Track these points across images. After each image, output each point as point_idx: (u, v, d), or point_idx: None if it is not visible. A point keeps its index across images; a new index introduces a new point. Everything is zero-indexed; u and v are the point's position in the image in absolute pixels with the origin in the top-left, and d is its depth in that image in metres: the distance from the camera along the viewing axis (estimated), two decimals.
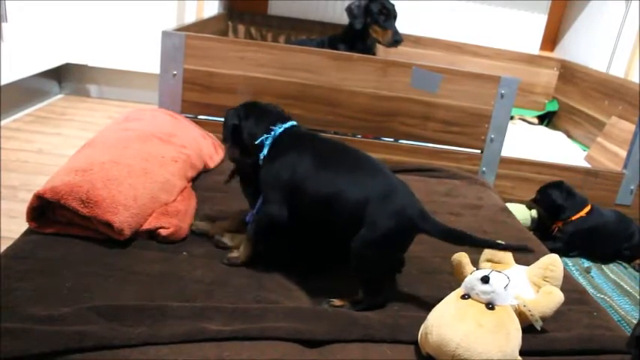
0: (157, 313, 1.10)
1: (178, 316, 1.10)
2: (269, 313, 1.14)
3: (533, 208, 2.21)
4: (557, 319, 1.30)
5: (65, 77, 3.39)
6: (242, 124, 1.38)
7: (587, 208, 2.12)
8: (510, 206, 2.06)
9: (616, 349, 1.20)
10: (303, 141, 1.32)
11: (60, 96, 3.37)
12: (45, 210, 1.31)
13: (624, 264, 2.16)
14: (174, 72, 2.08)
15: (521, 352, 1.16)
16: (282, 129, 1.34)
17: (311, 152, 1.28)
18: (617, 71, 3.47)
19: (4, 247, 1.30)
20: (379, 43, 2.64)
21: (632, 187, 2.39)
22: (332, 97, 2.14)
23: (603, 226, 2.11)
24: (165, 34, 2.06)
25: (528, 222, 2.20)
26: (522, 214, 2.19)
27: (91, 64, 3.28)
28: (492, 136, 2.20)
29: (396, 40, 2.54)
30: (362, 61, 2.12)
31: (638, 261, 2.14)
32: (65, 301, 1.10)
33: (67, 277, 1.18)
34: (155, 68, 2.13)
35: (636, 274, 2.09)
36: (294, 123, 1.38)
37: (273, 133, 1.33)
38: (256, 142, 1.33)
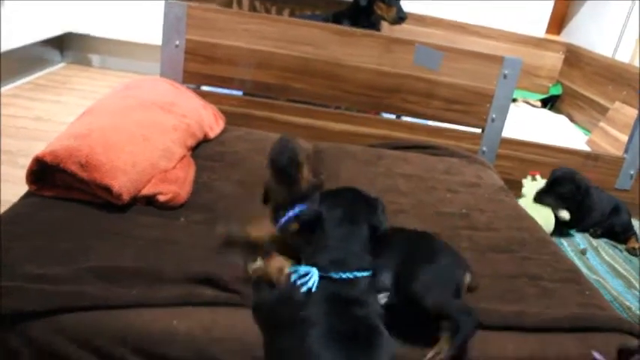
0: (152, 276, 1.11)
1: (174, 280, 1.11)
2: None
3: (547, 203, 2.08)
4: (550, 296, 1.31)
5: (67, 46, 3.38)
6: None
7: None
8: (532, 209, 1.96)
9: (607, 327, 1.21)
10: None
11: (62, 65, 3.37)
12: (44, 174, 1.32)
13: (620, 247, 2.17)
14: (177, 42, 2.07)
15: (513, 328, 1.18)
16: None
17: None
18: (623, 56, 3.45)
19: (3, 211, 1.30)
20: (384, 19, 2.62)
21: (631, 172, 2.39)
22: (335, 71, 2.13)
23: (593, 196, 2.13)
24: (168, 4, 2.05)
25: (552, 226, 2.06)
26: (545, 219, 2.04)
27: (93, 33, 3.27)
28: (494, 115, 2.20)
29: (401, 17, 2.53)
30: (365, 37, 2.11)
31: (633, 244, 2.15)
32: (62, 261, 1.11)
33: (65, 238, 1.19)
34: (157, 40, 2.12)
35: (632, 257, 2.10)
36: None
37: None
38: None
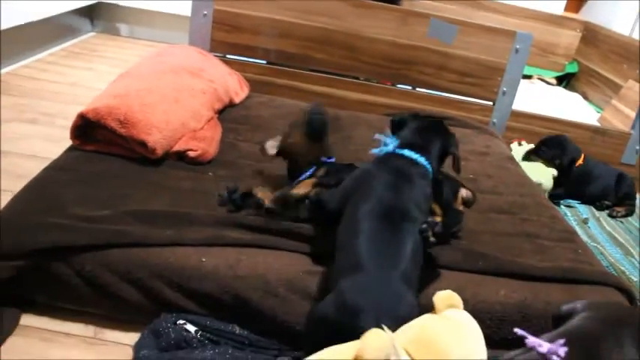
0: (184, 219, 1.25)
1: (203, 223, 1.25)
2: (286, 231, 1.28)
3: (534, 161, 2.24)
4: (544, 252, 1.43)
5: (97, 15, 3.51)
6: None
7: (583, 156, 2.23)
8: (527, 166, 2.10)
9: (593, 280, 1.33)
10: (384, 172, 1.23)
11: (92, 34, 3.50)
12: (86, 129, 1.46)
13: (621, 220, 2.26)
14: (205, 12, 2.19)
15: (506, 275, 1.29)
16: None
17: (375, 193, 1.16)
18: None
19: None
20: None
21: (637, 147, 2.47)
22: (353, 43, 2.23)
23: (594, 169, 2.26)
24: None
25: (551, 182, 2.17)
26: (544, 174, 2.17)
27: (122, 3, 3.39)
28: (505, 89, 2.29)
29: None
30: (382, 10, 2.21)
31: (618, 209, 2.25)
32: (105, 206, 1.25)
33: (105, 187, 1.33)
34: (184, 10, 2.23)
35: (632, 227, 2.20)
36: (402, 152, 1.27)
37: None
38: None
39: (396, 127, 1.36)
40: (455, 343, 0.92)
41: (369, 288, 0.99)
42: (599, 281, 1.33)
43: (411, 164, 1.23)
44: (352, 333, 0.88)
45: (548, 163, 2.20)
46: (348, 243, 1.08)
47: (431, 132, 1.32)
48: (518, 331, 0.86)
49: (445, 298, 0.98)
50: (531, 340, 0.83)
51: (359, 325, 0.91)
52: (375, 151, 1.30)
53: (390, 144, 1.28)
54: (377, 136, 1.33)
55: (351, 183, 1.22)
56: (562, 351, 0.81)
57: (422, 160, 1.24)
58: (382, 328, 0.86)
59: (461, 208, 1.39)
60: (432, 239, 1.12)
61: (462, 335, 0.94)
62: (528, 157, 2.24)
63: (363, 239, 1.05)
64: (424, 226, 1.11)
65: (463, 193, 1.41)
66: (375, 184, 1.16)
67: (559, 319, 0.96)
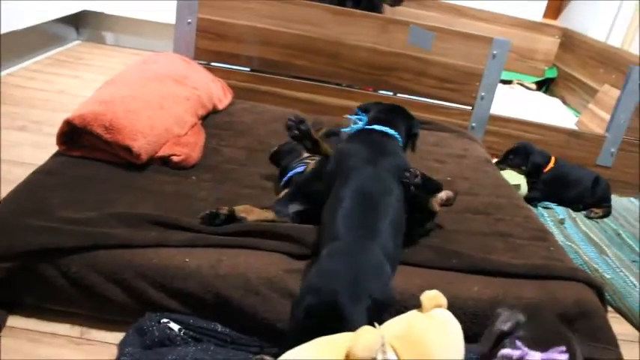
0: (168, 223, 1.29)
1: (186, 226, 1.29)
2: (265, 232, 1.32)
3: (504, 170, 2.30)
4: (517, 250, 1.49)
5: (83, 24, 3.54)
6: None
7: (553, 161, 2.30)
8: (507, 175, 2.19)
9: (563, 276, 1.38)
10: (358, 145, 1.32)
11: (77, 42, 3.53)
12: (72, 135, 1.50)
13: (597, 220, 2.33)
14: (189, 20, 2.23)
15: (479, 272, 1.35)
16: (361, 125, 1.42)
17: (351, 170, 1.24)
18: (616, 41, 3.58)
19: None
20: (383, 1, 2.76)
21: (612, 150, 2.54)
22: (335, 50, 2.29)
23: (571, 173, 2.32)
24: None
25: (526, 187, 2.26)
26: (519, 179, 2.26)
27: (107, 11, 3.42)
28: (483, 94, 2.36)
29: None
30: (362, 17, 2.27)
31: (596, 210, 2.32)
32: (90, 209, 1.29)
33: (92, 191, 1.38)
34: (169, 18, 2.27)
35: (607, 227, 2.26)
36: (374, 127, 1.39)
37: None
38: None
39: (363, 110, 1.48)
40: (439, 343, 0.97)
41: (346, 254, 1.05)
42: (568, 277, 1.38)
43: (383, 136, 1.33)
44: (331, 299, 0.95)
45: (517, 170, 2.29)
46: (329, 218, 1.15)
47: (395, 112, 1.47)
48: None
49: (432, 297, 1.03)
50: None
51: (336, 289, 0.97)
52: (345, 130, 1.40)
53: (360, 122, 1.39)
54: (347, 116, 1.43)
55: (331, 165, 1.30)
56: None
57: (393, 132, 1.35)
58: (364, 309, 0.94)
59: (438, 209, 1.43)
60: (412, 188, 1.23)
61: (446, 335, 1.00)
62: (498, 166, 2.30)
63: (342, 213, 1.13)
64: (406, 174, 1.21)
65: (443, 195, 1.44)
66: (352, 161, 1.25)
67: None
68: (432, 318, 0.99)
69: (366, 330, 0.88)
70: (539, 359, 0.83)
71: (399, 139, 1.38)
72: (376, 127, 1.37)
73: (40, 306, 1.22)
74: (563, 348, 0.83)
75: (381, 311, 1.01)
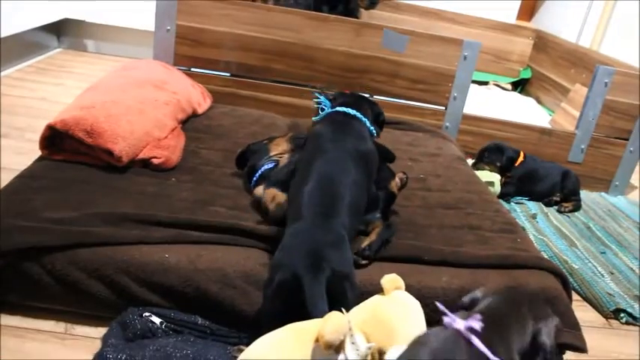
0: (149, 221, 1.34)
1: (166, 224, 1.34)
2: (242, 231, 1.38)
3: (484, 169, 2.40)
4: (485, 242, 1.55)
5: (63, 32, 3.57)
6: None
7: (522, 155, 2.40)
8: (481, 174, 2.27)
9: (528, 264, 1.45)
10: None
11: (59, 50, 3.56)
12: (55, 140, 1.54)
13: (568, 214, 2.41)
14: (168, 27, 2.29)
15: (447, 264, 1.41)
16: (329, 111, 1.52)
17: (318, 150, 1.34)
18: (585, 42, 3.68)
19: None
20: (359, 5, 2.83)
21: (582, 147, 2.63)
22: (310, 54, 2.35)
23: (540, 167, 2.44)
24: None
25: (499, 185, 2.35)
26: (491, 177, 2.35)
27: (88, 19, 3.45)
28: (455, 94, 2.43)
29: (372, 2, 2.74)
30: (337, 22, 2.33)
31: (566, 204, 2.40)
32: (73, 209, 1.34)
33: (74, 193, 1.42)
34: (150, 25, 2.32)
35: (577, 221, 2.35)
36: (341, 109, 1.48)
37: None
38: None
39: (333, 101, 1.56)
40: (404, 319, 1.06)
41: (307, 232, 1.13)
42: (533, 266, 1.45)
43: (349, 118, 1.42)
44: (291, 271, 1.04)
45: (492, 167, 2.38)
46: (294, 196, 1.25)
47: (360, 99, 1.56)
48: (439, 305, 0.96)
49: (392, 280, 1.11)
50: (447, 318, 0.93)
51: (295, 262, 1.05)
52: (315, 118, 1.49)
53: (327, 107, 1.50)
54: (314, 105, 1.54)
55: (305, 148, 1.40)
56: (478, 326, 0.91)
57: (359, 114, 1.44)
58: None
59: (396, 190, 1.56)
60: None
61: (408, 312, 1.09)
62: (475, 166, 2.40)
63: (305, 193, 1.21)
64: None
65: (397, 179, 1.59)
66: (320, 141, 1.35)
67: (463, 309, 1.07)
68: (394, 298, 1.08)
69: (333, 314, 0.94)
70: (462, 326, 0.90)
71: (366, 121, 1.46)
72: (342, 109, 1.46)
73: (24, 304, 1.27)
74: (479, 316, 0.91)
75: (342, 281, 1.08)
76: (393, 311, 1.06)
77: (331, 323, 0.92)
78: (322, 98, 1.56)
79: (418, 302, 1.13)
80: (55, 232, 1.24)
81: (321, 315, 0.97)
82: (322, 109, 1.51)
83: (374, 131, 1.49)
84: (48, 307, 1.27)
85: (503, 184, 2.37)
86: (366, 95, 1.68)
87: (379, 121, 1.58)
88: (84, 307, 1.27)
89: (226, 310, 1.25)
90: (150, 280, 1.25)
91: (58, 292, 1.24)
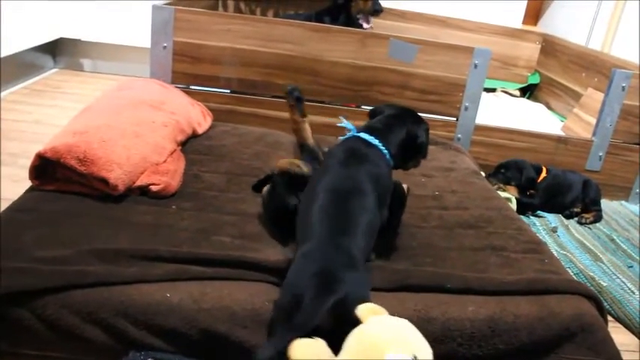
0: (148, 256, 1.23)
1: (166, 259, 1.24)
2: (248, 263, 1.27)
3: (504, 190, 2.30)
4: (511, 265, 1.44)
5: (59, 52, 3.49)
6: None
7: (545, 170, 2.33)
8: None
9: (560, 289, 1.34)
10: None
11: (54, 70, 3.48)
12: (46, 169, 1.44)
13: (589, 226, 2.30)
14: (165, 44, 2.19)
15: (473, 291, 1.30)
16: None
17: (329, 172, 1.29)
18: (595, 44, 3.58)
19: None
20: (361, 11, 2.74)
21: (600, 154, 2.52)
22: (313, 67, 2.25)
23: (564, 180, 2.36)
24: (156, 8, 2.17)
25: (514, 202, 2.26)
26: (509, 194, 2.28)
27: (84, 38, 3.38)
28: (467, 104, 2.33)
29: (376, 9, 2.65)
30: (341, 33, 2.24)
31: (587, 215, 2.30)
32: (66, 246, 1.23)
33: (67, 226, 1.31)
34: (146, 42, 2.23)
35: (600, 233, 2.23)
36: (360, 135, 1.38)
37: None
38: None
39: (371, 115, 1.49)
40: (393, 338, 0.96)
41: (319, 253, 1.09)
42: (565, 290, 1.34)
43: (365, 145, 1.35)
44: (293, 296, 1.01)
45: (506, 185, 2.30)
46: (304, 215, 1.21)
47: (397, 119, 1.44)
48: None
49: (367, 309, 1.01)
50: None
51: (301, 285, 1.02)
52: (341, 137, 1.43)
53: (351, 130, 1.42)
54: (340, 124, 1.47)
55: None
56: None
57: (375, 141, 1.35)
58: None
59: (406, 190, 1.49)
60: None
61: (397, 329, 1.00)
62: (488, 180, 2.28)
63: (315, 211, 1.17)
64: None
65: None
66: (331, 162, 1.31)
67: None
68: (377, 322, 0.99)
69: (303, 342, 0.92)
70: None
71: (383, 150, 1.36)
72: (361, 135, 1.38)
73: (15, 351, 1.16)
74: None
75: (353, 302, 1.01)
76: (380, 330, 0.97)
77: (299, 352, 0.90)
78: (347, 123, 1.45)
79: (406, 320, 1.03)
80: (46, 273, 1.13)
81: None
82: (349, 130, 1.42)
83: (391, 162, 1.37)
84: (40, 354, 1.16)
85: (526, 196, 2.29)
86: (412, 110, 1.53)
87: (415, 145, 1.44)
88: (79, 353, 1.16)
89: (236, 353, 1.14)
90: (151, 322, 1.14)
91: (50, 339, 1.13)
